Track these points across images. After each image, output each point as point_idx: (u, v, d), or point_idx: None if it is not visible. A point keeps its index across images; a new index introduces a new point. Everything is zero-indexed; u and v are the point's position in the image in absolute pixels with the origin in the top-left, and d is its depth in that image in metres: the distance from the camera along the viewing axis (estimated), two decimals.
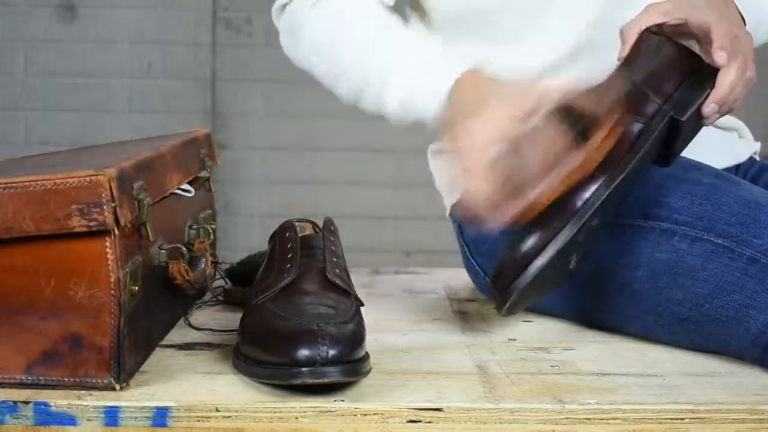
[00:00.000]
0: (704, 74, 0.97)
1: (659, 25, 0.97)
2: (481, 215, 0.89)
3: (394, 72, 1.00)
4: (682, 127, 0.96)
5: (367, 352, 0.82)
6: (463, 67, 0.97)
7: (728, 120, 1.21)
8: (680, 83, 0.96)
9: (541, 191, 0.89)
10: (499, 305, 0.94)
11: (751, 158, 1.21)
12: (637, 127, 0.94)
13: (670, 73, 0.96)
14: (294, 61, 1.14)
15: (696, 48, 0.99)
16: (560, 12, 1.08)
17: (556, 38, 1.08)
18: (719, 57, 0.94)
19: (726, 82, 0.95)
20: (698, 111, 0.97)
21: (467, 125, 0.91)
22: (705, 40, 0.96)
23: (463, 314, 1.10)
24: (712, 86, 0.95)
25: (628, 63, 0.97)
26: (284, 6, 1.13)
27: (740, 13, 1.00)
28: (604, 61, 0.98)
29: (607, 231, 0.98)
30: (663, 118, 0.95)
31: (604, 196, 0.91)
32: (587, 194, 0.91)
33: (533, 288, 0.94)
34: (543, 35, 1.09)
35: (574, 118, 0.91)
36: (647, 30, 0.98)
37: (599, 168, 0.91)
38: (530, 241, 0.91)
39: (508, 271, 0.92)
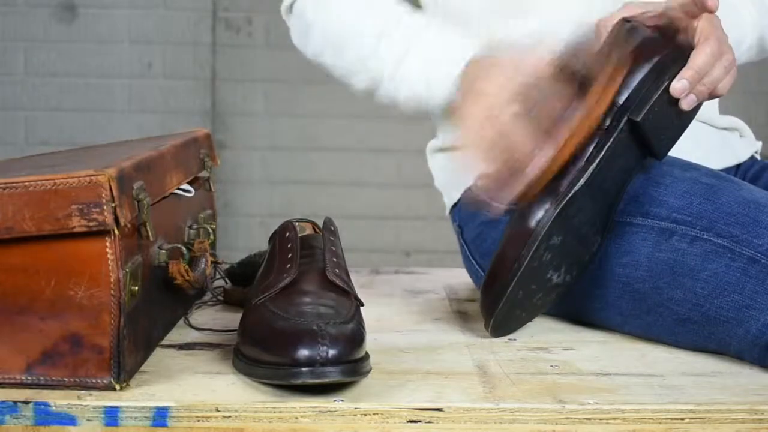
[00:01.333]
0: (667, 62, 0.95)
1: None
2: (494, 193, 0.92)
3: (402, 68, 1.03)
4: (644, 127, 0.95)
5: (367, 352, 0.82)
6: (467, 53, 0.99)
7: (729, 120, 1.21)
8: (639, 78, 0.95)
9: (550, 156, 0.91)
10: (486, 324, 0.97)
11: (752, 157, 1.21)
12: (594, 140, 0.94)
13: (633, 64, 0.95)
14: (306, 56, 1.15)
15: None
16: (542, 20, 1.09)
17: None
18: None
19: (700, 56, 0.94)
20: (667, 101, 0.96)
21: (475, 89, 0.94)
22: (687, 17, 0.96)
23: (463, 314, 1.10)
24: (671, 77, 0.95)
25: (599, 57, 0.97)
26: (291, 6, 1.15)
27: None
28: None
29: (587, 249, 0.98)
30: (619, 123, 0.95)
31: (554, 216, 0.93)
32: (537, 217, 0.93)
33: (516, 305, 0.96)
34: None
35: (573, 76, 0.93)
36: (623, 18, 0.98)
37: (546, 188, 0.93)
38: (494, 268, 0.95)
39: (485, 297, 0.96)
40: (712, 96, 0.98)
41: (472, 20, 1.12)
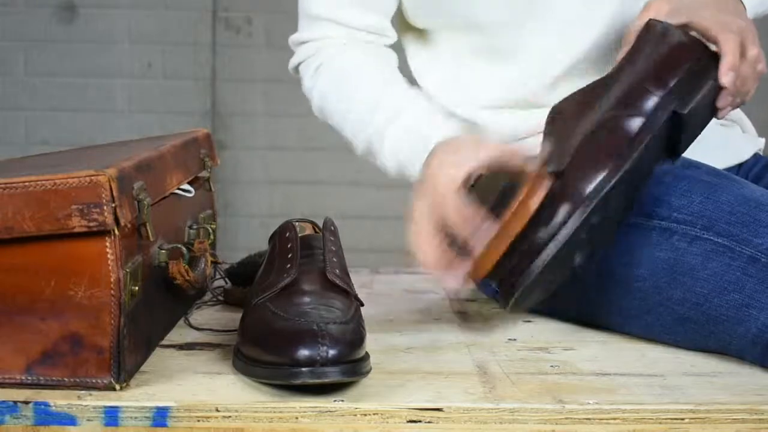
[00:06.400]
0: (706, 64, 0.96)
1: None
2: (439, 277, 0.94)
3: (385, 143, 1.05)
4: (685, 121, 0.95)
5: (367, 352, 0.82)
6: (442, 133, 1.00)
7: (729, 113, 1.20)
8: (683, 74, 0.95)
9: (482, 253, 0.91)
10: (503, 302, 0.94)
11: (754, 155, 1.20)
12: (636, 122, 0.93)
13: (673, 62, 0.95)
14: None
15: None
16: (558, 29, 1.08)
17: (551, 56, 1.08)
18: (727, 79, 0.95)
19: (731, 77, 0.95)
20: (706, 103, 0.96)
21: (416, 197, 0.97)
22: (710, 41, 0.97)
23: (463, 314, 1.10)
24: (715, 77, 0.95)
25: (629, 58, 0.97)
26: (296, 68, 1.17)
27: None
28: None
29: (613, 232, 0.97)
30: (664, 112, 0.94)
31: (607, 188, 0.90)
32: (591, 186, 0.90)
33: (536, 285, 0.94)
34: (539, 52, 1.08)
35: (503, 178, 0.94)
36: (652, 19, 0.98)
37: (603, 158, 0.91)
38: (533, 237, 0.91)
39: (513, 265, 0.91)
40: (741, 103, 1.00)
41: (480, 29, 1.11)
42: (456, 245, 0.92)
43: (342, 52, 1.12)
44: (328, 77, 1.12)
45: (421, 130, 1.02)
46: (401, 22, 1.18)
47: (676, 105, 0.94)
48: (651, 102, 0.94)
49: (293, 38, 1.17)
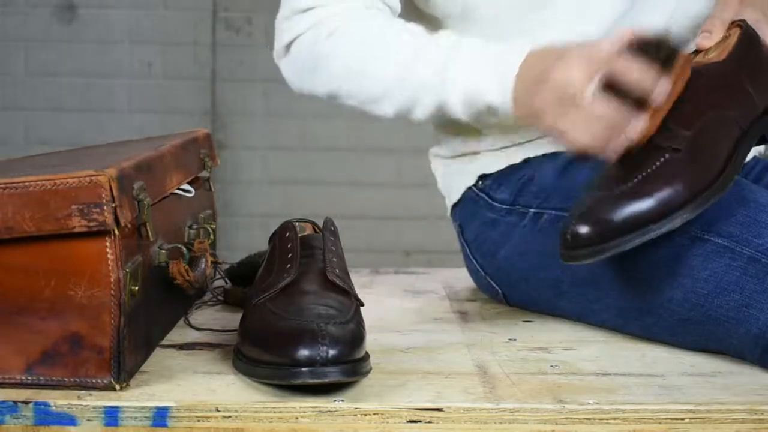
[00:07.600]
0: None
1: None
2: (597, 151, 0.89)
3: (451, 69, 0.98)
4: (759, 144, 0.96)
5: (367, 352, 0.82)
6: (522, 49, 0.96)
7: None
8: None
9: (647, 122, 0.89)
10: (571, 249, 0.89)
11: (754, 158, 1.20)
12: (737, 129, 0.92)
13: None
14: (311, 94, 1.09)
15: None
16: (563, 20, 1.07)
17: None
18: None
19: None
20: None
21: (551, 80, 0.90)
22: None
23: (463, 314, 1.10)
24: None
25: (732, 56, 0.96)
26: (289, 45, 1.07)
27: None
28: None
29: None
30: (759, 131, 0.94)
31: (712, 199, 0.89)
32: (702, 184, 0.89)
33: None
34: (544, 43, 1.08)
35: (651, 52, 0.90)
36: (740, 26, 0.97)
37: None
38: (645, 206, 0.88)
39: (607, 223, 0.88)
40: None
41: (494, 21, 1.10)
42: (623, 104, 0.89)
43: (363, 16, 1.04)
44: (352, 35, 1.03)
45: (495, 52, 0.97)
46: (411, 14, 1.16)
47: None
48: (753, 111, 0.94)
49: (289, 8, 1.06)
